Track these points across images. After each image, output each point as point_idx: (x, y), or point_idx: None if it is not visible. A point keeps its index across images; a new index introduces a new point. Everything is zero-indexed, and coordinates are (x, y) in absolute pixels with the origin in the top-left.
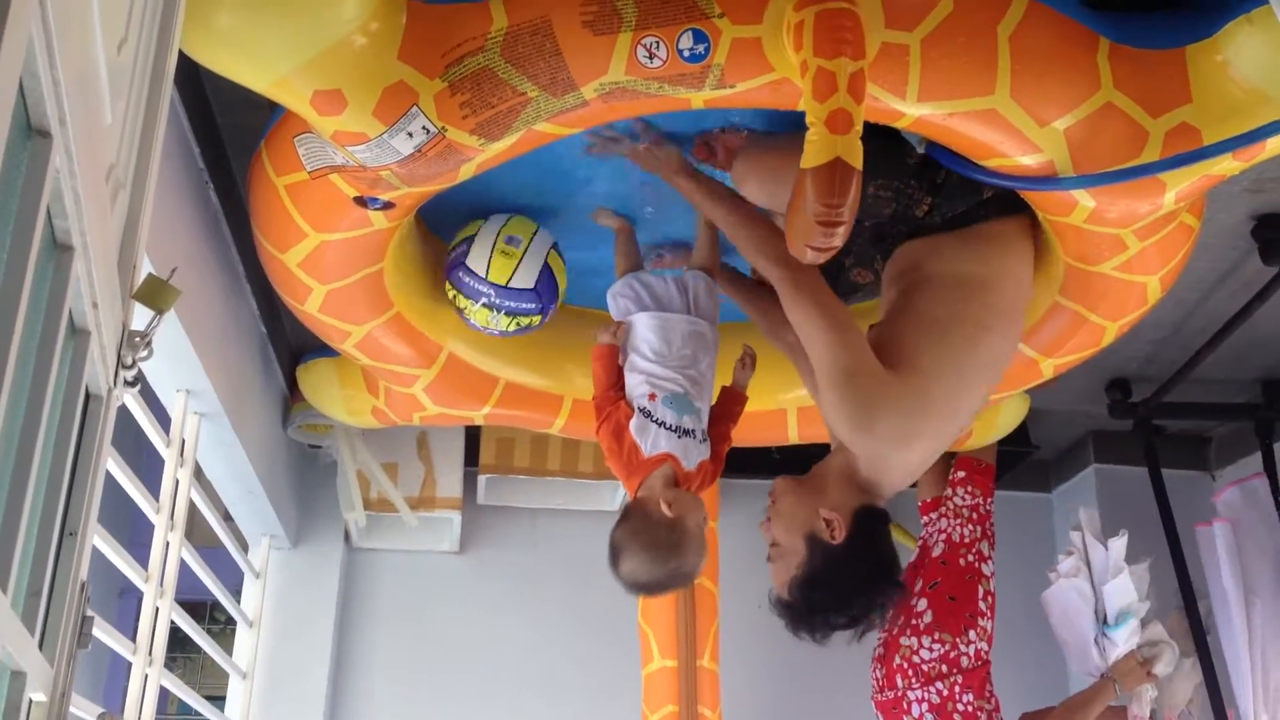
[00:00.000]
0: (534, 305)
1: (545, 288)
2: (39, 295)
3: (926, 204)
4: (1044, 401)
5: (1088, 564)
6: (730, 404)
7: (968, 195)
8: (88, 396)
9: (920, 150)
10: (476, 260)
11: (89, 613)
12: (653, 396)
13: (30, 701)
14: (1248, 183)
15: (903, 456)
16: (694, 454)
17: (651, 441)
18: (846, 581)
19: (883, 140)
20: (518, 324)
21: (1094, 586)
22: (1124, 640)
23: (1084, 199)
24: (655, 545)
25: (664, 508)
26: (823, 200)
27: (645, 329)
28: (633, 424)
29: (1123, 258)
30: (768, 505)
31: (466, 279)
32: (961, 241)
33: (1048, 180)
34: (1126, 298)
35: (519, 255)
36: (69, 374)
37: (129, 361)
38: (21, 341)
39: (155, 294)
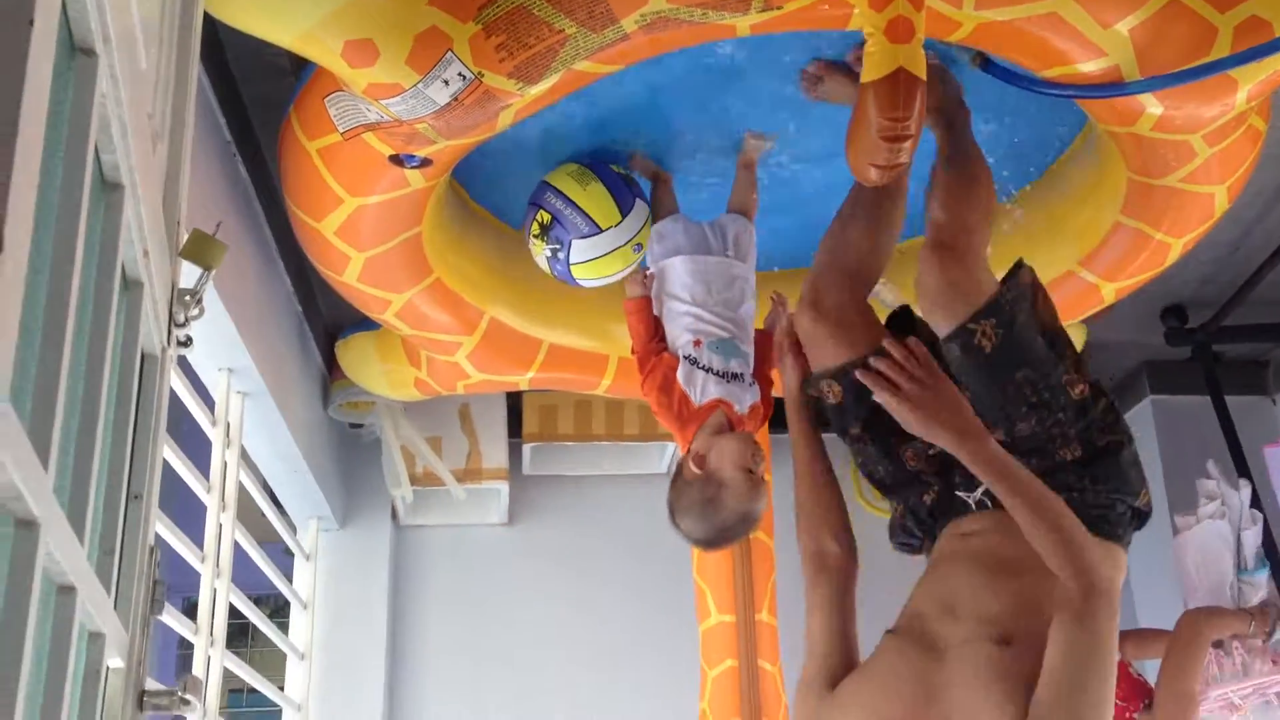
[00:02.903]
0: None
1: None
2: (91, 237)
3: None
4: (1095, 333)
5: (1226, 509)
6: (768, 347)
7: None
8: (143, 356)
9: (974, 65)
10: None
11: (159, 577)
12: (698, 343)
13: (108, 668)
14: None
15: None
16: (744, 398)
17: (700, 389)
18: None
19: None
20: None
21: (1236, 531)
22: (1265, 584)
23: (1151, 104)
24: (693, 505)
25: (691, 466)
26: (886, 114)
27: (683, 273)
28: (680, 373)
29: (1190, 168)
30: None
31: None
32: None
33: (1113, 86)
34: (1192, 211)
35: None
36: (124, 329)
37: (181, 319)
38: (80, 289)
39: (203, 250)
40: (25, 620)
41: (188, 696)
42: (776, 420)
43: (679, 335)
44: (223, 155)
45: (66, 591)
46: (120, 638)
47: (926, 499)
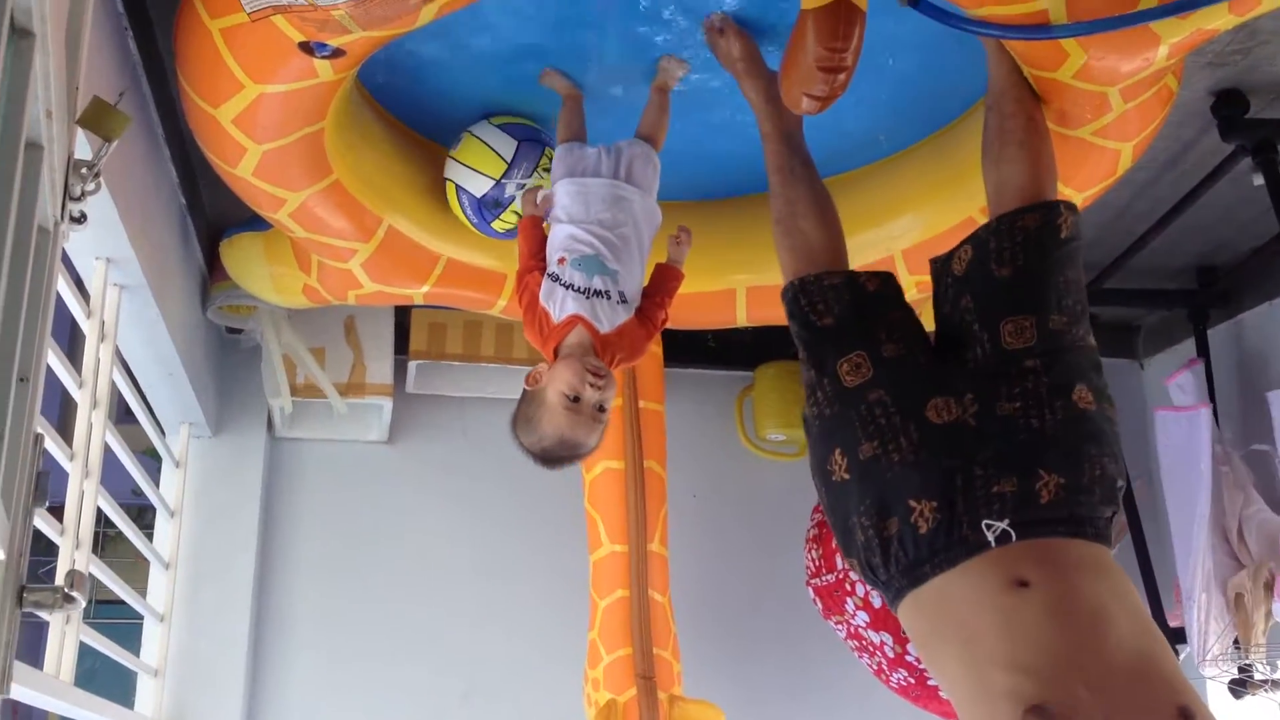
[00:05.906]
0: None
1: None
2: None
3: None
4: None
5: None
6: (665, 280)
7: None
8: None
9: (904, 3)
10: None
11: (44, 467)
12: (562, 261)
13: None
14: (1212, 56)
15: None
16: (608, 316)
17: (559, 305)
18: None
19: None
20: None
21: None
22: None
23: (1076, 51)
24: (519, 418)
25: (528, 380)
26: (825, 43)
27: (564, 195)
28: (542, 290)
29: (1103, 121)
30: None
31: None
32: None
33: (1039, 29)
34: (1099, 166)
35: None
36: (22, 197)
37: (77, 193)
38: None
39: (104, 119)
40: None
41: (74, 594)
42: (673, 353)
43: (552, 254)
44: (114, 29)
45: None
46: (1, 527)
47: (921, 523)
